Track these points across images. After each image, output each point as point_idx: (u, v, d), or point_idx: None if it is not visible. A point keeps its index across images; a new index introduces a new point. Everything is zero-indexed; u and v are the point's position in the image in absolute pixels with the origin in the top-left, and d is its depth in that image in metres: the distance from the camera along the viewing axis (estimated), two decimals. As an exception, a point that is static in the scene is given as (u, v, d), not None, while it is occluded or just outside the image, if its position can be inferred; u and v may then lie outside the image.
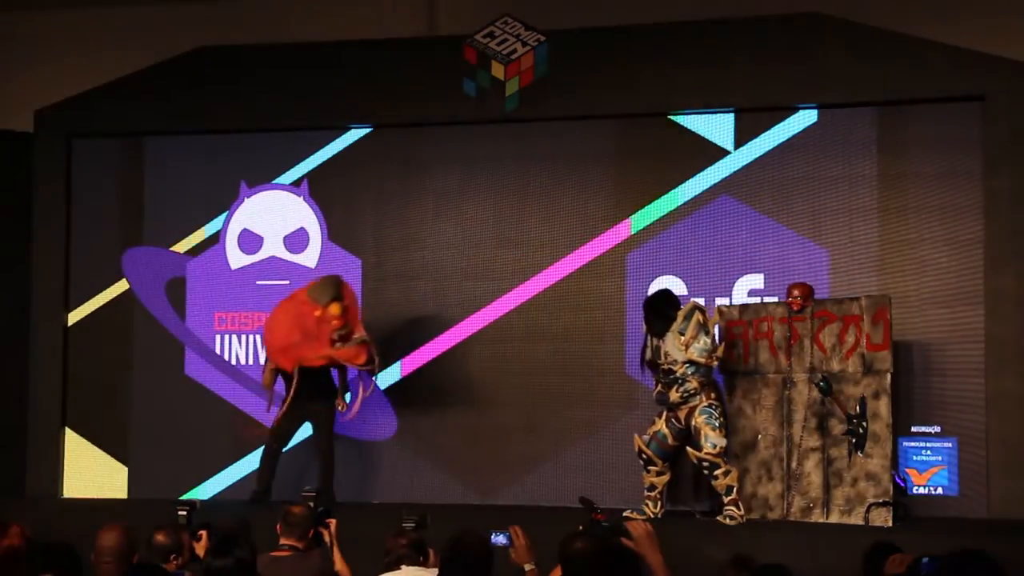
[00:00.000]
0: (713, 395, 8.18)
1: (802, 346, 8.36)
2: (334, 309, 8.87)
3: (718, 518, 8.09)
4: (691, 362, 8.05)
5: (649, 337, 8.28)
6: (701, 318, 8.12)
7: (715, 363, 8.17)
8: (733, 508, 8.04)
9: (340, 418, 9.24)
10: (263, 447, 9.26)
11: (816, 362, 8.30)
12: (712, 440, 8.02)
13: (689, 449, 8.11)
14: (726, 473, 8.06)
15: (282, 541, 5.79)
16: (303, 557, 5.72)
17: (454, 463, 9.69)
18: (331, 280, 9.10)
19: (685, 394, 8.10)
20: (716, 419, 8.09)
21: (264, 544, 5.60)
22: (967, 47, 8.94)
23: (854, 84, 9.13)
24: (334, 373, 9.20)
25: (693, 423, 8.09)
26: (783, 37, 9.31)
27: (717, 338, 8.41)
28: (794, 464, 8.27)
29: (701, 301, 8.57)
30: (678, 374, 8.09)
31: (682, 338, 8.07)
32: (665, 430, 8.21)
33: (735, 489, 8.07)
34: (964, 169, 8.98)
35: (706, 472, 8.09)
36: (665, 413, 8.23)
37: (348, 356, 8.95)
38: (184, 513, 5.57)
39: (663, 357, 8.15)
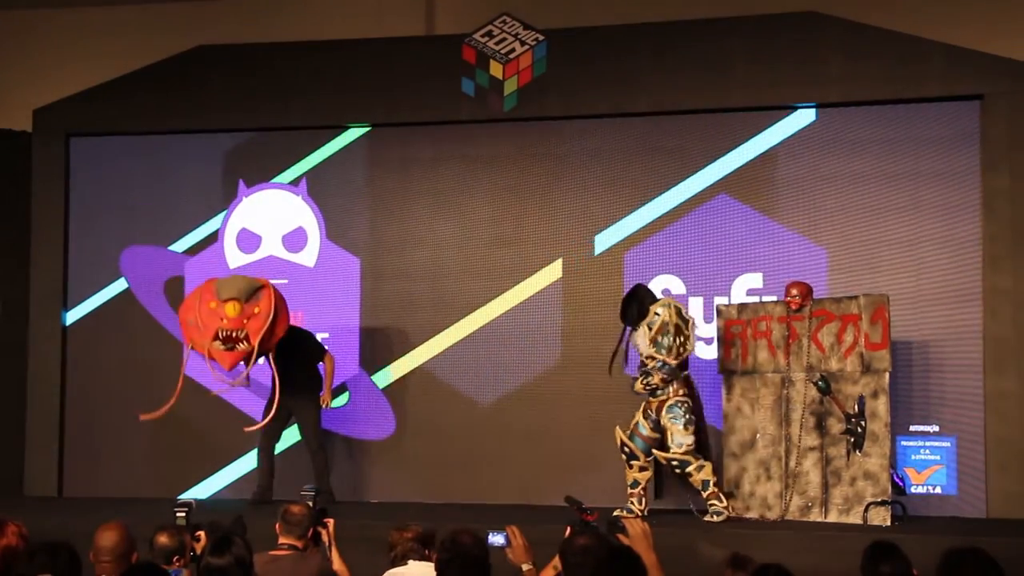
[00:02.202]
0: (682, 391, 8.20)
1: (800, 345, 8.36)
2: (229, 309, 8.61)
3: (705, 518, 8.10)
4: (651, 356, 8.10)
5: (625, 329, 8.32)
6: (670, 315, 8.13)
7: (674, 362, 8.15)
8: (715, 502, 8.07)
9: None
10: (257, 448, 9.27)
11: (814, 361, 8.31)
12: (678, 439, 8.07)
13: (656, 452, 8.16)
14: (699, 468, 8.09)
15: (281, 540, 5.78)
16: (302, 556, 5.71)
17: (452, 462, 9.69)
18: (246, 282, 8.85)
19: (648, 387, 8.16)
20: (682, 417, 8.12)
21: (263, 543, 5.59)
22: (966, 47, 8.95)
23: (853, 83, 9.14)
24: (320, 368, 9.18)
25: (662, 421, 8.13)
26: (783, 37, 9.32)
27: (687, 338, 8.29)
28: (792, 463, 8.27)
29: (681, 303, 8.56)
30: (648, 367, 8.14)
31: (649, 332, 8.10)
32: (642, 421, 8.24)
33: (712, 482, 8.10)
34: (962, 168, 8.99)
35: (677, 472, 8.12)
36: (643, 405, 8.26)
37: (219, 357, 8.67)
38: (183, 515, 5.56)
39: (635, 348, 8.22)
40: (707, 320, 9.20)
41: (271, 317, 8.69)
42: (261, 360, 9.02)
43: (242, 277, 8.97)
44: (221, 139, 10.30)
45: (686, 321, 8.25)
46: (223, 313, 8.61)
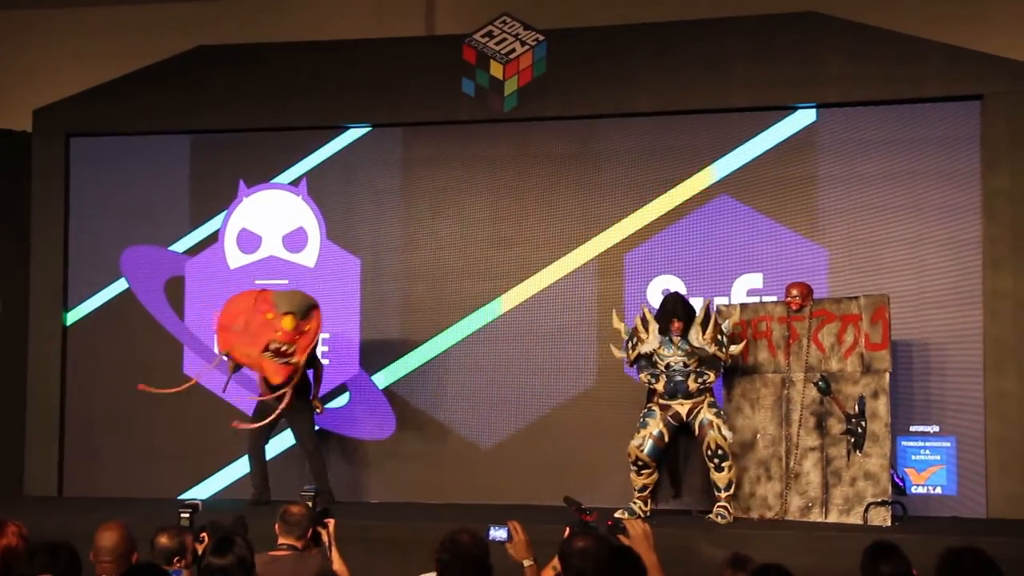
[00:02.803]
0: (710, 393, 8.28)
1: (801, 345, 8.36)
2: (286, 322, 8.64)
3: (708, 516, 8.10)
4: (714, 356, 8.14)
5: (654, 335, 8.24)
6: (716, 316, 8.24)
7: (729, 360, 8.27)
8: (727, 506, 8.06)
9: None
10: (247, 452, 9.25)
11: (815, 361, 8.31)
12: (725, 432, 8.11)
13: (712, 434, 8.11)
14: (730, 468, 8.11)
15: (280, 541, 5.77)
16: (301, 557, 5.71)
17: (452, 462, 9.69)
18: (303, 298, 8.92)
19: (703, 385, 8.18)
20: (724, 414, 8.22)
21: (264, 543, 5.59)
22: (966, 47, 8.95)
23: (853, 84, 9.14)
24: (309, 374, 9.17)
25: (702, 416, 8.15)
26: (783, 37, 9.32)
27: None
28: (793, 463, 8.27)
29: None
30: (692, 368, 8.15)
31: (705, 333, 8.11)
32: (663, 428, 8.23)
33: (732, 485, 8.11)
34: (963, 169, 8.99)
35: (716, 461, 8.11)
36: (660, 413, 8.24)
37: (269, 369, 8.72)
38: (187, 516, 5.55)
39: (680, 352, 8.18)
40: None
41: (317, 336, 8.80)
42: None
43: (300, 293, 9.05)
44: (221, 139, 10.29)
45: None
46: (279, 326, 8.65)
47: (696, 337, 8.16)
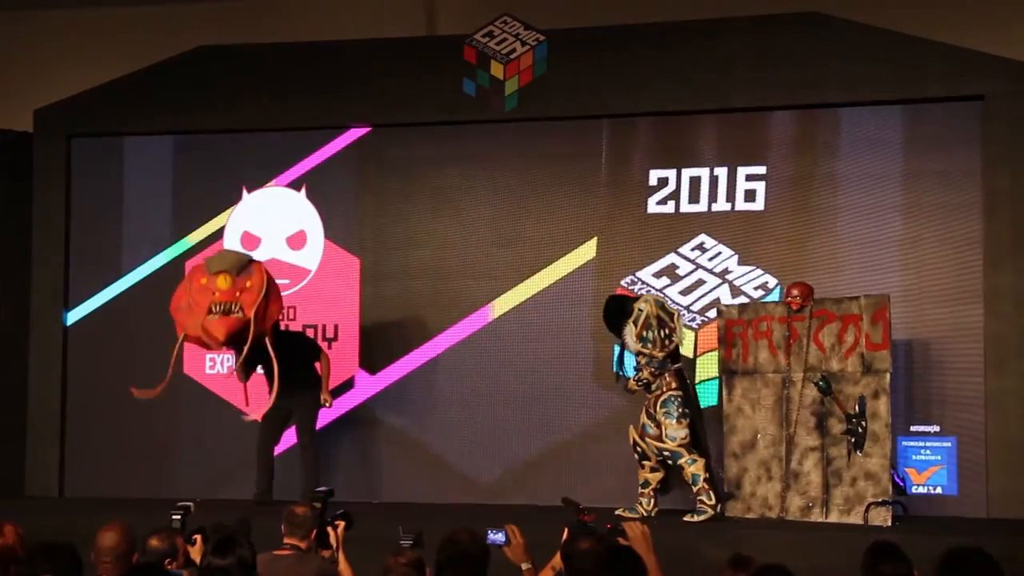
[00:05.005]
0: (674, 384, 8.23)
1: (801, 345, 8.36)
2: (221, 281, 8.33)
3: (685, 518, 8.11)
4: (640, 352, 8.13)
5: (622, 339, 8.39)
6: (651, 308, 8.18)
7: (660, 354, 8.18)
8: (704, 498, 8.08)
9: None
10: (256, 449, 9.23)
11: (815, 361, 8.31)
12: (671, 433, 8.12)
13: (649, 440, 8.16)
14: (691, 462, 8.11)
15: (285, 541, 5.77)
16: (303, 557, 5.70)
17: (453, 463, 9.69)
18: (236, 256, 8.66)
19: (639, 382, 8.24)
20: (676, 411, 8.16)
21: (267, 544, 5.59)
22: (967, 47, 8.95)
23: (853, 84, 9.13)
24: (317, 365, 9.15)
25: (656, 416, 8.17)
26: (783, 37, 9.31)
27: (673, 330, 8.28)
28: (793, 463, 8.27)
29: (662, 296, 8.53)
30: (640, 363, 8.20)
31: (635, 328, 8.13)
32: (647, 421, 8.28)
33: (702, 478, 8.11)
34: (964, 168, 8.98)
35: (670, 463, 8.14)
36: (644, 405, 8.32)
37: (215, 328, 8.28)
38: (178, 517, 5.52)
39: (628, 349, 8.31)
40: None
41: (264, 291, 8.46)
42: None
43: (231, 251, 8.84)
44: (222, 139, 10.29)
45: (670, 314, 8.28)
46: (215, 287, 8.37)
47: (629, 333, 8.22)
